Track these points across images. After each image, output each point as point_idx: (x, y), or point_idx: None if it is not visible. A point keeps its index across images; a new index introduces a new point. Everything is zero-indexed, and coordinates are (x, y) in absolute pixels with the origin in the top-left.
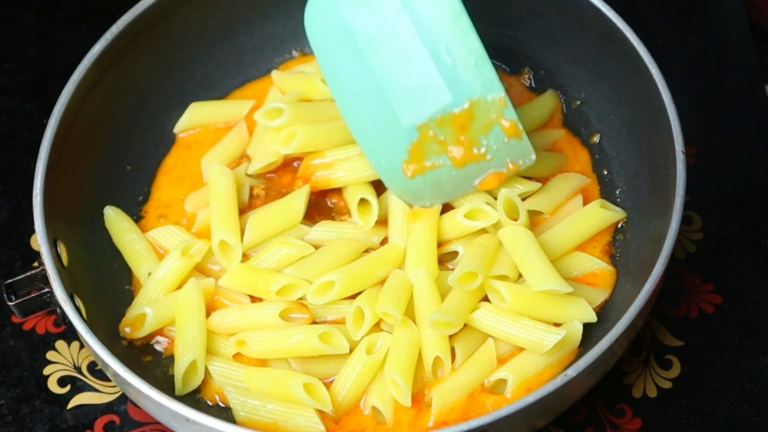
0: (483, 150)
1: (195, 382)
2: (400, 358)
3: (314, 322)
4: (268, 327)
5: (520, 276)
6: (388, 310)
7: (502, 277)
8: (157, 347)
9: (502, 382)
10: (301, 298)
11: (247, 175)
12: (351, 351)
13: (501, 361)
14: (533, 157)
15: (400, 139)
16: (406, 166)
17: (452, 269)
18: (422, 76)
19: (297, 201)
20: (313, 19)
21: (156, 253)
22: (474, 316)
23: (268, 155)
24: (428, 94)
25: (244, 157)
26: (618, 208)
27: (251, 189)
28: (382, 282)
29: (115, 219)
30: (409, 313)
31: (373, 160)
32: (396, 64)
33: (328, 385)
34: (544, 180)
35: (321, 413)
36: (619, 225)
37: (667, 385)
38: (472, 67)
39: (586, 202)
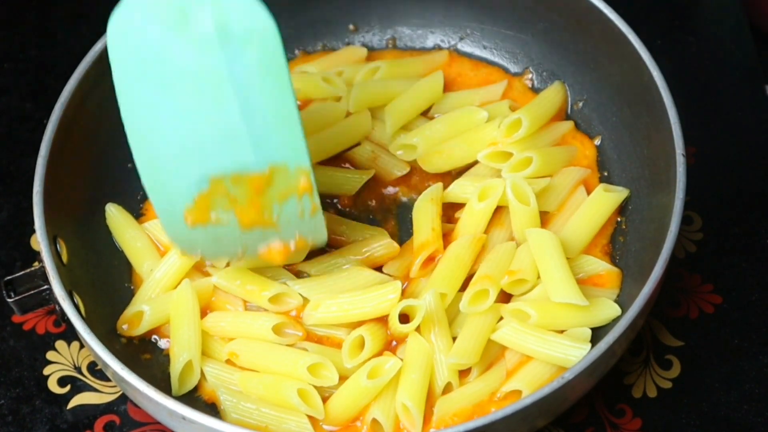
0: (274, 218)
1: (192, 382)
2: (413, 383)
3: (308, 337)
4: (259, 338)
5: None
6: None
7: (520, 282)
8: (160, 345)
9: (514, 392)
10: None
11: None
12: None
13: (509, 371)
14: (324, 239)
15: (189, 185)
16: (187, 214)
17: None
18: (227, 127)
19: None
20: (117, 32)
21: (158, 250)
22: (499, 335)
23: None
24: (229, 148)
25: None
26: (620, 188)
27: None
28: (383, 318)
29: (116, 217)
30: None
31: (154, 198)
32: (200, 107)
33: (333, 388)
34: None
35: (315, 422)
36: (619, 226)
37: (667, 385)
38: (283, 132)
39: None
